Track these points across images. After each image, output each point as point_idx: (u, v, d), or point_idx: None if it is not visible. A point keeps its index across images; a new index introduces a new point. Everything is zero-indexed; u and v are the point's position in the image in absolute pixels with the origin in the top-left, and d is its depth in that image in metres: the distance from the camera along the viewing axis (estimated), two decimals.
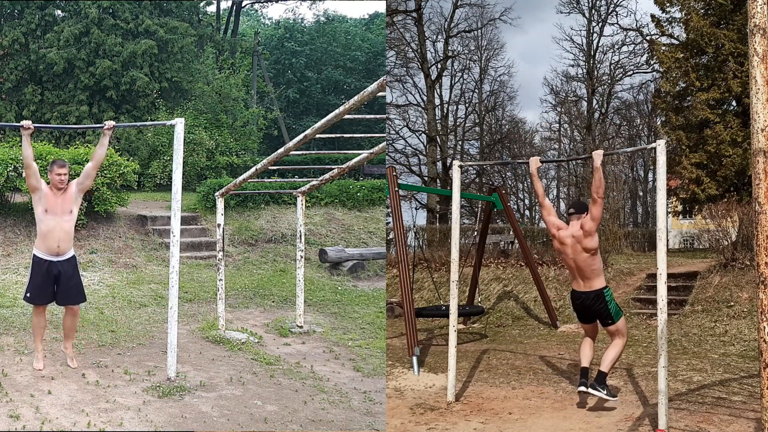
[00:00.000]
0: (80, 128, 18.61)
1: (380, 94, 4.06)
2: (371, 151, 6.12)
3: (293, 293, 8.75)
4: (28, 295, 5.58)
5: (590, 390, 5.55)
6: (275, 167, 6.13)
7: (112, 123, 5.55)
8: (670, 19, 19.51)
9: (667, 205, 18.21)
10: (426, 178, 30.47)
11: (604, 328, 5.82)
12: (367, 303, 9.34)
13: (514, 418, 5.54)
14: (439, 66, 30.93)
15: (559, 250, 5.76)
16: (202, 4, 27.10)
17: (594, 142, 29.86)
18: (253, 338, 7.10)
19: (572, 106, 34.19)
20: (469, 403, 6.07)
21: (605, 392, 5.56)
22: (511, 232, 15.05)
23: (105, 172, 11.28)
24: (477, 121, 34.49)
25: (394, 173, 8.59)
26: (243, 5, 31.66)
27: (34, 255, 5.51)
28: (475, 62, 33.69)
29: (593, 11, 31.59)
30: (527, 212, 37.68)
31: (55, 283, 5.50)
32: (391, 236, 15.43)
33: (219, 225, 7.49)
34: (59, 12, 20.78)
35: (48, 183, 5.48)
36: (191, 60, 22.05)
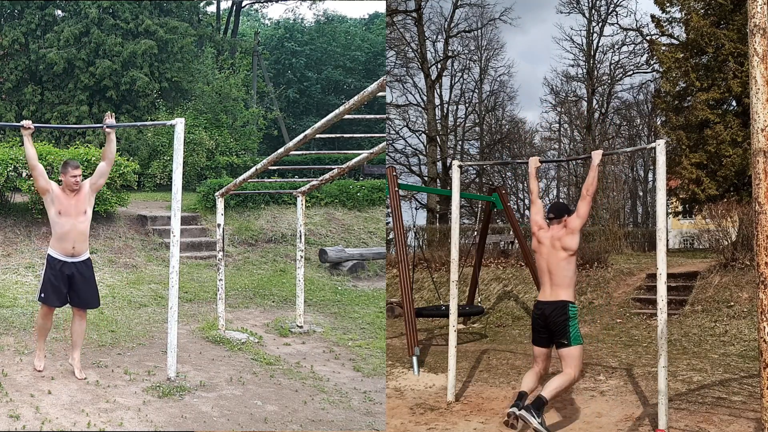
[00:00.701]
0: (80, 128, 18.61)
1: (380, 94, 4.07)
2: (371, 151, 6.12)
3: (293, 293, 8.76)
4: (42, 295, 5.47)
5: (522, 413, 4.77)
6: (275, 167, 6.13)
7: (110, 120, 5.44)
8: (670, 19, 19.50)
9: (667, 205, 18.19)
10: (426, 178, 30.46)
11: (557, 351, 5.11)
12: (367, 303, 9.34)
13: None
14: (439, 66, 30.91)
15: (535, 249, 5.40)
16: (202, 4, 27.12)
17: (594, 142, 29.84)
18: (253, 338, 7.10)
19: (572, 106, 34.17)
20: (469, 403, 6.08)
21: (538, 421, 4.74)
22: (511, 232, 15.05)
23: None
24: (477, 121, 34.48)
25: (394, 173, 8.60)
26: (243, 5, 31.67)
27: (49, 255, 5.44)
28: (475, 62, 33.69)
29: (593, 11, 31.57)
30: (527, 212, 37.65)
31: (69, 285, 5.43)
32: (391, 236, 15.43)
33: (219, 225, 7.49)
34: (59, 12, 20.79)
35: (59, 183, 5.44)
36: (191, 60, 22.05)
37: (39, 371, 5.58)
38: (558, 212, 5.34)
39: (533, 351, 5.31)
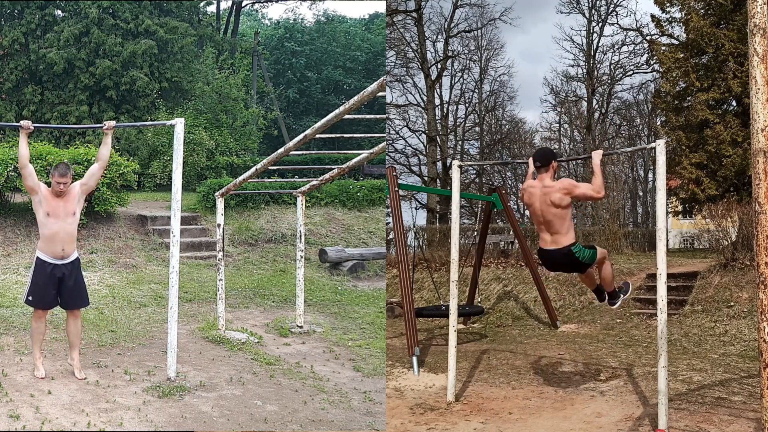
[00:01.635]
0: (80, 128, 18.61)
1: (380, 94, 4.07)
2: (371, 151, 6.12)
3: (293, 293, 8.75)
4: (29, 298, 5.41)
5: (614, 301, 5.81)
6: (275, 167, 6.13)
7: (112, 123, 5.53)
8: (670, 19, 19.49)
9: (667, 205, 18.19)
10: (426, 178, 30.45)
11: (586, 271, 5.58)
12: (367, 303, 9.34)
13: (514, 418, 5.54)
14: (439, 66, 30.91)
15: (527, 203, 5.44)
16: (202, 4, 27.11)
17: (594, 142, 29.83)
18: (253, 338, 7.10)
19: (572, 106, 34.17)
20: (469, 403, 6.08)
21: (624, 296, 5.83)
22: (511, 232, 15.04)
23: (105, 172, 11.25)
24: (477, 121, 34.48)
25: (394, 173, 8.59)
26: (243, 5, 31.66)
27: (38, 258, 5.39)
28: (475, 62, 33.69)
29: (593, 11, 31.58)
30: (527, 212, 37.63)
31: (58, 286, 5.38)
32: (391, 236, 15.42)
33: (219, 225, 7.49)
34: (59, 12, 20.79)
35: (49, 185, 5.42)
36: (191, 60, 22.04)
37: (41, 378, 5.43)
38: (544, 159, 5.26)
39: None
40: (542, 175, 5.24)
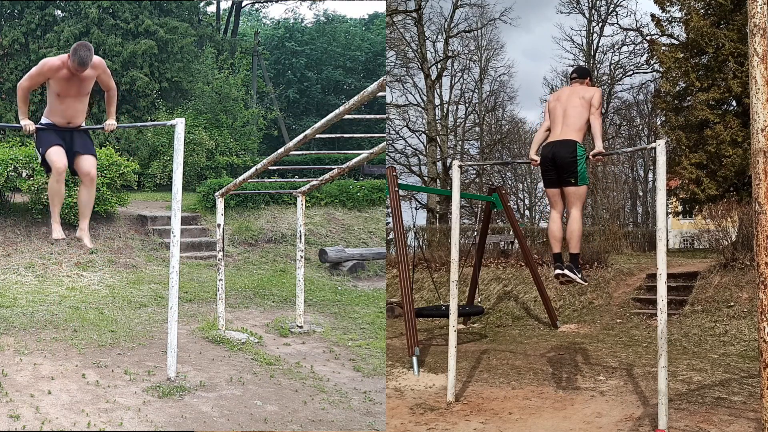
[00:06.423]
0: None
1: (380, 94, 4.06)
2: (371, 151, 6.12)
3: (293, 293, 8.76)
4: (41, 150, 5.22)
5: (565, 272, 5.64)
6: (275, 167, 6.13)
7: (111, 121, 5.49)
8: (670, 19, 19.48)
9: (667, 205, 18.19)
10: (426, 178, 30.44)
11: (565, 190, 5.57)
12: (367, 303, 9.34)
13: (514, 418, 5.54)
14: (439, 66, 30.90)
15: (553, 99, 5.73)
16: (202, 4, 27.11)
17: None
18: (253, 338, 7.10)
19: None
20: (469, 403, 6.08)
21: (579, 276, 5.68)
22: (511, 232, 15.05)
23: (105, 172, 11.29)
24: (477, 121, 34.48)
25: (394, 173, 8.59)
26: (243, 5, 31.66)
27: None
28: (475, 62, 33.70)
29: (593, 11, 31.56)
30: (527, 212, 37.66)
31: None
32: (391, 236, 15.43)
33: (219, 225, 7.49)
34: (59, 12, 20.78)
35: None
36: (191, 60, 22.04)
37: (59, 239, 5.37)
38: (581, 73, 5.79)
39: (547, 194, 5.82)
40: (575, 84, 5.75)
